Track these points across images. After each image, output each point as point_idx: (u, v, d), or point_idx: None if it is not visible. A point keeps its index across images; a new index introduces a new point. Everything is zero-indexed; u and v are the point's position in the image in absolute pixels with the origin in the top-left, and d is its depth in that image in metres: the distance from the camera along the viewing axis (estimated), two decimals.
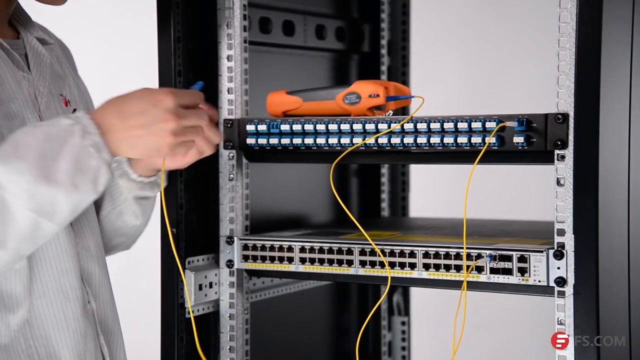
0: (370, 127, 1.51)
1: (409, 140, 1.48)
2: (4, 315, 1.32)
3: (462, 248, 1.46)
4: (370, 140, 1.51)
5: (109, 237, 1.59)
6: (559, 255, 1.39)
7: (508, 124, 1.41)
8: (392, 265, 1.52)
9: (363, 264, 1.54)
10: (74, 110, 1.46)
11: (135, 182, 1.53)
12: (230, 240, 1.64)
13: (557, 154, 1.38)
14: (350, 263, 1.56)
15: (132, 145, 1.30)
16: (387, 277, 1.52)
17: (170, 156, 1.39)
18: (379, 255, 1.52)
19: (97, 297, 1.45)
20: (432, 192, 2.99)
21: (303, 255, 1.59)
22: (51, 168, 1.23)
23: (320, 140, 1.55)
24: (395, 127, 1.49)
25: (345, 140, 1.53)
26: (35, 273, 1.34)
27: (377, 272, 1.53)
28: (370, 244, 1.53)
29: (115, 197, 1.55)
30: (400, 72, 2.16)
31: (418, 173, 2.34)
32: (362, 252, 1.54)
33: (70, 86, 1.50)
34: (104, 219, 1.57)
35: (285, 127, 1.57)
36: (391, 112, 1.55)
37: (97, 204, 1.55)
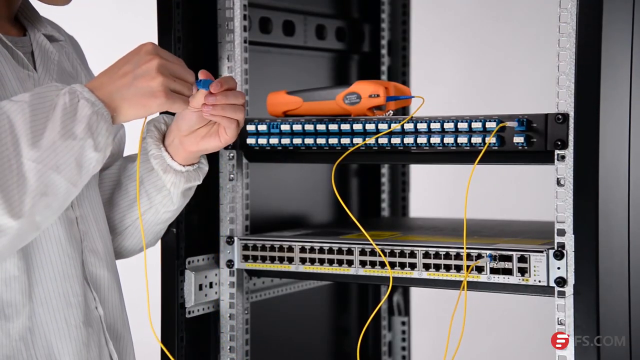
0: (370, 127, 1.51)
1: (409, 140, 1.48)
2: (3, 324, 1.29)
3: (462, 248, 1.46)
4: (371, 140, 1.51)
5: (138, 236, 1.56)
6: (559, 255, 1.39)
7: (508, 124, 1.41)
8: (392, 265, 1.52)
9: (363, 264, 1.54)
10: None
11: (182, 173, 1.48)
12: (230, 240, 1.64)
13: (557, 154, 1.38)
14: (350, 263, 1.56)
15: (124, 96, 1.27)
16: (387, 277, 1.52)
17: (167, 104, 1.30)
18: (380, 256, 1.52)
19: (105, 302, 1.41)
20: (432, 192, 2.99)
21: (303, 255, 1.59)
22: (46, 122, 1.21)
23: (321, 141, 1.55)
24: (396, 127, 1.49)
25: (345, 141, 1.53)
26: (37, 279, 1.31)
27: (377, 272, 1.53)
28: (371, 244, 1.53)
29: (153, 195, 1.50)
30: (400, 72, 2.16)
31: (418, 173, 2.34)
32: (363, 252, 1.54)
33: (82, 83, 1.47)
34: (137, 220, 1.53)
35: (285, 127, 1.57)
36: (391, 112, 1.55)
37: (127, 205, 1.52)
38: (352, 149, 1.53)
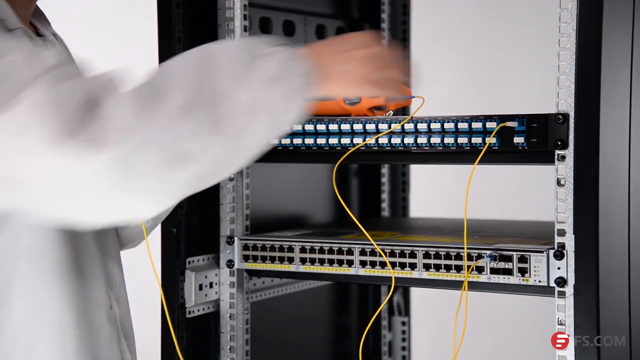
0: (370, 127, 1.51)
1: (409, 140, 1.48)
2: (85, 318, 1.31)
3: (463, 248, 1.46)
4: (371, 140, 1.51)
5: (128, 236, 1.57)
6: (559, 255, 1.39)
7: (508, 124, 1.41)
8: (392, 265, 1.52)
9: (363, 264, 1.54)
10: None
11: None
12: (230, 240, 1.64)
13: (558, 154, 1.38)
14: (350, 263, 1.56)
15: (341, 72, 1.26)
16: (387, 277, 1.52)
17: (381, 89, 1.30)
18: (380, 256, 1.52)
19: (119, 301, 1.42)
20: (432, 192, 2.99)
21: (303, 255, 1.59)
22: (262, 60, 1.19)
23: (321, 141, 1.55)
24: (396, 127, 1.49)
25: (345, 141, 1.53)
26: (81, 275, 1.33)
27: (377, 272, 1.54)
28: (371, 244, 1.53)
29: None
30: None
31: (418, 173, 2.34)
32: (363, 252, 1.54)
33: None
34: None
35: None
36: (391, 112, 1.55)
37: None
38: (352, 149, 1.53)
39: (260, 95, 1.18)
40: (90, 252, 1.35)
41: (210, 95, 1.15)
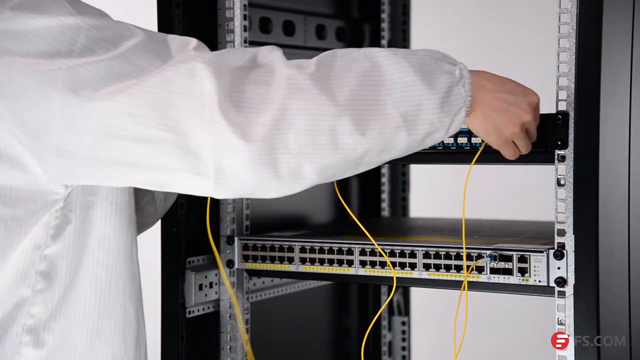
0: None
1: None
2: (133, 305, 1.33)
3: (462, 248, 1.46)
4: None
5: None
6: (559, 255, 1.39)
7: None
8: (392, 265, 1.52)
9: (363, 264, 1.54)
10: None
11: None
12: (230, 240, 1.64)
13: (558, 154, 1.38)
14: (350, 263, 1.56)
15: (486, 113, 1.30)
16: (387, 277, 1.52)
17: (499, 146, 1.35)
18: (380, 255, 1.52)
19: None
20: (432, 192, 2.99)
21: (303, 255, 1.59)
22: (430, 77, 1.24)
23: None
24: None
25: None
26: (132, 260, 1.34)
27: (377, 272, 1.53)
28: (370, 244, 1.53)
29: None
30: None
31: (418, 173, 2.34)
32: (362, 252, 1.54)
33: None
34: None
35: None
36: None
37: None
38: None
39: (413, 105, 1.22)
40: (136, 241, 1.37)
41: (368, 101, 1.20)
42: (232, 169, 1.15)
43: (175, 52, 1.17)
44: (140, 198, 1.47)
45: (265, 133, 1.14)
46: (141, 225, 1.54)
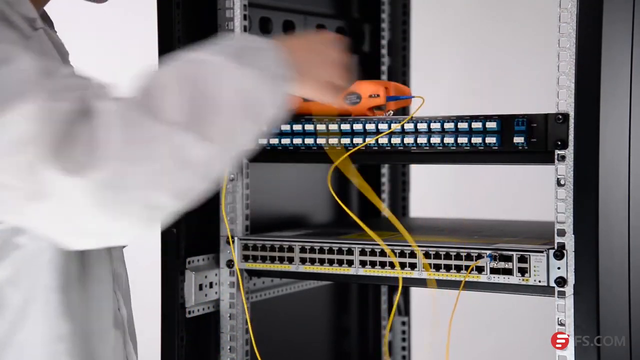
0: (370, 127, 1.51)
1: (409, 140, 1.48)
2: (78, 325, 1.29)
3: (462, 248, 1.46)
4: (371, 140, 1.51)
5: None
6: (559, 255, 1.39)
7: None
8: (392, 265, 1.52)
9: (363, 264, 1.54)
10: None
11: None
12: (230, 240, 1.64)
13: (558, 154, 1.38)
14: (350, 263, 1.56)
15: (308, 72, 1.29)
16: (386, 277, 1.53)
17: (331, 94, 1.34)
18: (382, 256, 1.52)
19: (126, 301, 1.41)
20: (432, 192, 2.99)
21: (303, 255, 1.59)
22: (249, 59, 1.20)
23: (321, 141, 1.55)
24: (396, 127, 1.49)
25: (345, 141, 1.53)
26: (86, 279, 1.31)
27: (377, 272, 1.54)
28: (370, 244, 1.53)
29: None
30: (400, 72, 2.16)
31: (418, 173, 2.34)
32: (362, 252, 1.54)
33: None
34: None
35: (285, 127, 1.57)
36: (391, 112, 1.55)
37: None
38: (352, 150, 1.53)
39: (249, 92, 1.17)
40: (99, 256, 1.33)
41: (202, 106, 1.13)
42: (81, 218, 1.08)
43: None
44: None
45: (106, 174, 1.06)
46: None
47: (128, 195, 1.08)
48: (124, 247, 1.57)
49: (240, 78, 1.18)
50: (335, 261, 1.57)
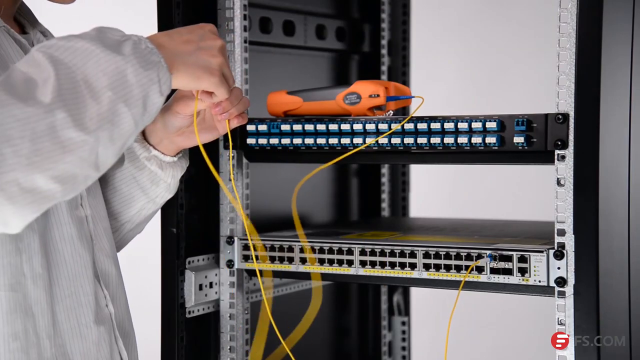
0: (370, 127, 1.51)
1: (409, 140, 1.48)
2: (33, 322, 1.28)
3: (462, 248, 1.46)
4: (371, 141, 1.51)
5: (133, 230, 1.57)
6: (559, 255, 1.39)
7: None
8: (392, 265, 1.52)
9: (363, 264, 1.54)
10: None
11: (177, 163, 1.51)
12: (230, 240, 1.64)
13: (557, 154, 1.38)
14: (350, 263, 1.56)
15: (183, 61, 1.28)
16: (386, 277, 1.53)
17: (217, 85, 1.32)
18: (382, 255, 1.52)
19: (115, 299, 1.41)
20: (432, 192, 2.99)
21: (303, 255, 1.59)
22: (115, 46, 1.20)
23: (321, 141, 1.55)
24: (397, 127, 1.49)
25: (345, 141, 1.53)
26: (54, 278, 1.31)
27: (377, 272, 1.54)
28: (370, 244, 1.53)
29: (150, 189, 1.51)
30: (400, 72, 2.16)
31: (418, 173, 2.34)
32: (362, 252, 1.54)
33: None
34: (134, 215, 1.54)
35: (285, 127, 1.57)
36: (391, 112, 1.55)
37: (121, 203, 1.52)
38: (354, 150, 1.53)
39: (117, 75, 1.18)
40: (73, 255, 1.34)
41: (71, 89, 1.14)
42: None
43: None
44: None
45: None
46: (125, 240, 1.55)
47: (4, 177, 1.08)
48: (123, 247, 1.57)
49: (107, 61, 1.18)
50: (335, 261, 1.57)
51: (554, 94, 1.39)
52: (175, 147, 1.49)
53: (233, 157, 1.64)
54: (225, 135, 1.63)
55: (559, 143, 1.38)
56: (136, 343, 1.47)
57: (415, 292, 2.21)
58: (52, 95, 1.12)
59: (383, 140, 1.50)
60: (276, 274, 1.63)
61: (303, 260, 1.59)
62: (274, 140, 1.58)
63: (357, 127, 1.52)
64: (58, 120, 1.11)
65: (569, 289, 1.38)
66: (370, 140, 1.51)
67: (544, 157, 1.40)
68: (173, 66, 1.27)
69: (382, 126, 1.50)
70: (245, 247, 1.63)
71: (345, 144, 1.53)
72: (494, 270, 1.44)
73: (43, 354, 1.29)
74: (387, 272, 1.53)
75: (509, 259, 1.43)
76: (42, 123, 1.10)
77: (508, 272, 1.43)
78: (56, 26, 1.56)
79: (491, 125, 1.42)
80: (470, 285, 1.46)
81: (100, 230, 1.41)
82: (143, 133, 1.49)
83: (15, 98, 1.10)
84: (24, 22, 1.44)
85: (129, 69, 1.20)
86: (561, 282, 1.39)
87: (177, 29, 1.33)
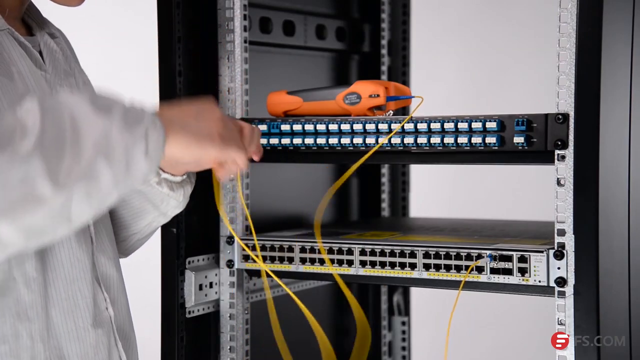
0: (370, 127, 1.51)
1: (409, 140, 1.48)
2: (27, 326, 1.28)
3: (463, 248, 1.46)
4: (371, 140, 1.51)
5: (141, 240, 1.56)
6: (559, 255, 1.39)
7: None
8: (392, 265, 1.52)
9: (363, 264, 1.54)
10: None
11: (187, 180, 1.48)
12: (230, 240, 1.64)
13: (557, 154, 1.38)
14: (350, 263, 1.56)
15: (183, 125, 1.25)
16: (386, 277, 1.53)
17: (222, 150, 1.29)
18: (382, 255, 1.52)
19: (116, 302, 1.41)
20: (432, 192, 2.99)
21: (303, 255, 1.59)
22: (105, 107, 1.17)
23: (321, 141, 1.55)
24: (397, 127, 1.49)
25: (345, 141, 1.53)
26: (50, 281, 1.31)
27: (377, 272, 1.54)
28: (370, 244, 1.53)
29: (161, 204, 1.49)
30: (400, 72, 2.16)
31: (418, 173, 2.34)
32: (362, 252, 1.54)
33: (77, 80, 1.48)
34: (144, 227, 1.53)
35: (285, 127, 1.57)
36: (391, 112, 1.55)
37: (131, 215, 1.51)
38: (372, 150, 1.52)
39: (104, 136, 1.15)
40: (70, 259, 1.33)
41: (53, 142, 1.11)
42: None
43: None
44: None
45: None
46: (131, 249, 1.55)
47: None
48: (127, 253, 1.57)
49: (95, 120, 1.15)
50: (335, 261, 1.57)
51: (554, 94, 1.39)
52: (184, 169, 1.45)
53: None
54: None
55: (559, 143, 1.38)
56: (137, 346, 1.47)
57: (415, 292, 2.21)
58: (34, 144, 1.10)
59: (383, 140, 1.50)
60: (276, 274, 1.63)
61: (303, 260, 1.59)
62: (274, 140, 1.58)
63: (357, 127, 1.52)
64: (32, 170, 1.09)
65: (569, 289, 1.38)
66: (383, 139, 1.51)
67: (544, 157, 1.40)
68: (169, 129, 1.23)
69: (382, 126, 1.50)
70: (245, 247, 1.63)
71: (345, 144, 1.53)
72: (494, 270, 1.44)
73: (36, 357, 1.29)
74: (387, 272, 1.53)
75: (509, 259, 1.43)
76: (16, 172, 1.08)
77: (508, 272, 1.43)
78: (57, 26, 1.56)
79: (491, 125, 1.42)
80: (470, 285, 1.46)
81: (102, 232, 1.41)
82: None
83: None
84: (32, 24, 1.43)
85: (112, 127, 1.16)
86: (561, 282, 1.39)
87: (182, 104, 1.30)
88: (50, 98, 1.18)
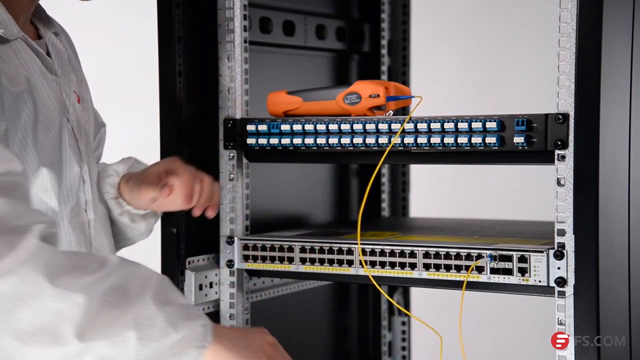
0: (370, 127, 1.51)
1: (409, 140, 1.49)
2: None
3: (463, 248, 1.46)
4: (371, 140, 1.51)
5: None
6: (559, 255, 1.39)
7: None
8: (392, 265, 1.52)
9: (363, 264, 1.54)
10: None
11: (150, 213, 1.56)
12: (230, 240, 1.64)
13: (558, 154, 1.38)
14: (350, 263, 1.56)
15: (233, 340, 1.19)
16: (386, 277, 1.53)
17: None
18: (382, 255, 1.52)
19: None
20: (432, 192, 2.99)
21: (303, 255, 1.59)
22: (167, 300, 1.13)
23: (321, 140, 1.55)
24: (399, 128, 1.49)
25: (345, 141, 1.53)
26: None
27: (377, 272, 1.54)
28: (370, 244, 1.53)
29: (128, 231, 1.56)
30: (400, 72, 2.16)
31: (418, 173, 2.34)
32: (363, 252, 1.54)
33: (80, 80, 1.48)
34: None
35: (285, 127, 1.57)
36: (391, 112, 1.55)
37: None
38: (388, 149, 1.52)
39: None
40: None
41: (112, 294, 1.09)
42: None
43: None
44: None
45: None
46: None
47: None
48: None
49: (148, 302, 1.11)
50: (335, 261, 1.57)
51: (554, 94, 1.39)
52: (148, 205, 1.51)
53: (232, 157, 1.64)
54: (225, 136, 1.63)
55: (559, 143, 1.38)
56: None
57: (415, 292, 2.21)
58: (73, 287, 1.07)
59: (383, 140, 1.50)
60: (276, 274, 1.63)
61: (303, 260, 1.59)
62: (274, 140, 1.58)
63: (357, 127, 1.52)
64: (69, 308, 1.06)
65: (569, 289, 1.38)
66: (394, 140, 1.51)
67: (544, 157, 1.40)
68: (220, 339, 1.17)
69: (382, 126, 1.50)
70: (245, 247, 1.63)
71: (345, 144, 1.53)
72: (494, 270, 1.44)
73: None
74: (387, 272, 1.53)
75: (509, 259, 1.43)
76: (54, 305, 1.06)
77: (508, 272, 1.43)
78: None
79: (491, 125, 1.42)
80: (471, 286, 1.46)
81: (102, 232, 1.41)
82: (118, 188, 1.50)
83: (39, 275, 1.05)
84: (39, 25, 1.43)
85: (162, 319, 1.11)
86: (561, 282, 1.39)
87: (242, 331, 1.27)
88: (134, 263, 1.16)
